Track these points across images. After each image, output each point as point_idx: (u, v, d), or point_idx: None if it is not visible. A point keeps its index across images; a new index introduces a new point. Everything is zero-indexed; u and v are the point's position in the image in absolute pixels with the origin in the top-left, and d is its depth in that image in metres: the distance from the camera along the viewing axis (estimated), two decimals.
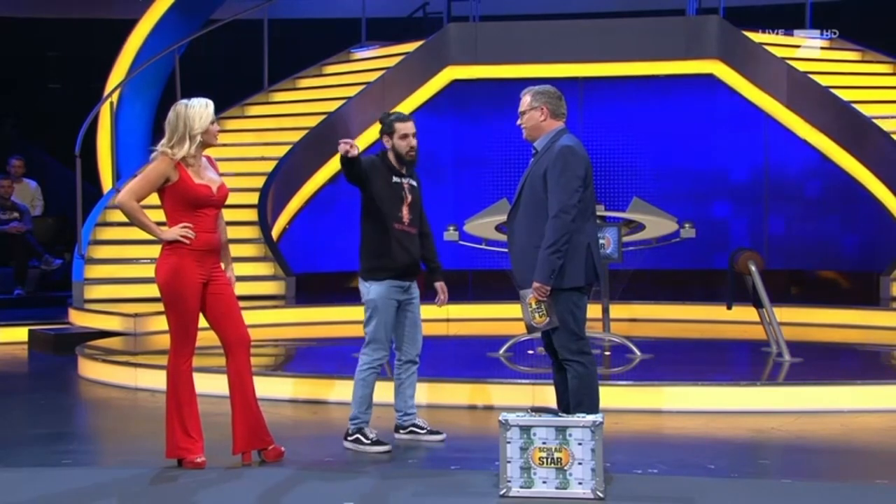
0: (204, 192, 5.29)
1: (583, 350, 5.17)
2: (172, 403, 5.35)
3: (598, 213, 6.39)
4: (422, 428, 5.96)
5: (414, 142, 5.89)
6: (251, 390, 5.42)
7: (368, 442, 5.68)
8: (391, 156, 5.88)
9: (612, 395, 6.32)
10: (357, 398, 5.74)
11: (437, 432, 5.97)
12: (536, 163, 5.22)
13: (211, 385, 7.14)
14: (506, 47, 11.74)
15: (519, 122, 5.33)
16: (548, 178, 5.10)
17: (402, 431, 5.96)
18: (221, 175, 5.52)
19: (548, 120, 5.26)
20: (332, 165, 11.93)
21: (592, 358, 5.22)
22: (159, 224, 5.34)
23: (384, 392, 6.02)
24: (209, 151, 5.50)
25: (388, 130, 5.89)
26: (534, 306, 5.07)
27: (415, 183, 5.96)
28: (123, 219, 11.23)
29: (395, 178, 5.84)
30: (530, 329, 5.22)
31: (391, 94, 12.11)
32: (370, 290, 5.76)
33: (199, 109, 5.27)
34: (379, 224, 5.76)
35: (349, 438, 5.73)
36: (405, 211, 5.82)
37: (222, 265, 5.49)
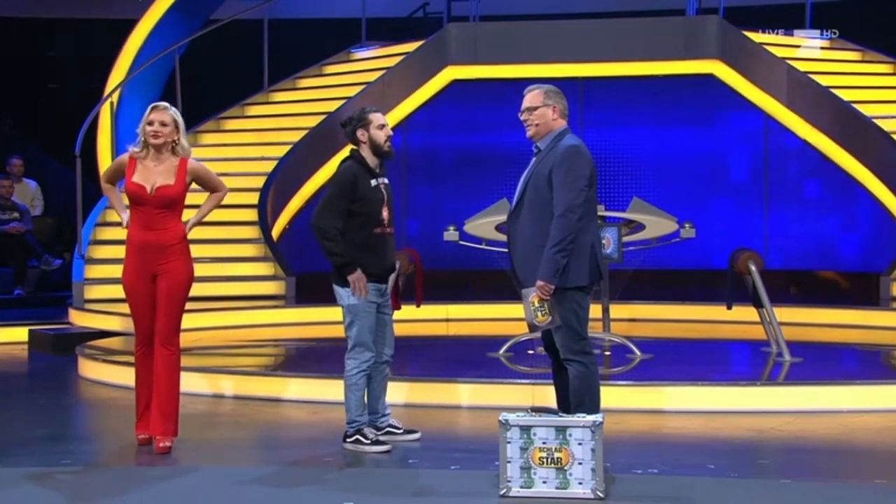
0: (134, 190, 5.60)
1: (585, 350, 5.17)
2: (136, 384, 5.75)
3: (598, 213, 6.39)
4: (398, 428, 5.93)
5: (391, 131, 5.74)
6: (161, 380, 5.62)
7: (368, 442, 5.67)
8: (367, 151, 5.70)
9: (612, 395, 6.32)
10: (351, 403, 5.71)
11: (413, 431, 5.95)
12: (540, 162, 5.21)
13: (209, 385, 7.16)
14: (506, 47, 11.74)
15: (527, 117, 5.27)
16: (553, 177, 5.09)
17: (377, 433, 5.85)
18: (215, 177, 5.83)
19: (557, 119, 5.27)
20: (333, 165, 11.90)
21: (594, 358, 5.22)
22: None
23: None
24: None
25: (361, 123, 5.70)
26: (536, 305, 5.07)
27: (387, 181, 5.81)
28: None
29: (373, 181, 5.70)
30: (532, 328, 5.21)
31: (391, 94, 12.11)
32: (350, 295, 5.68)
33: (146, 111, 5.65)
34: (360, 231, 5.65)
35: (349, 440, 5.73)
36: (385, 213, 5.71)
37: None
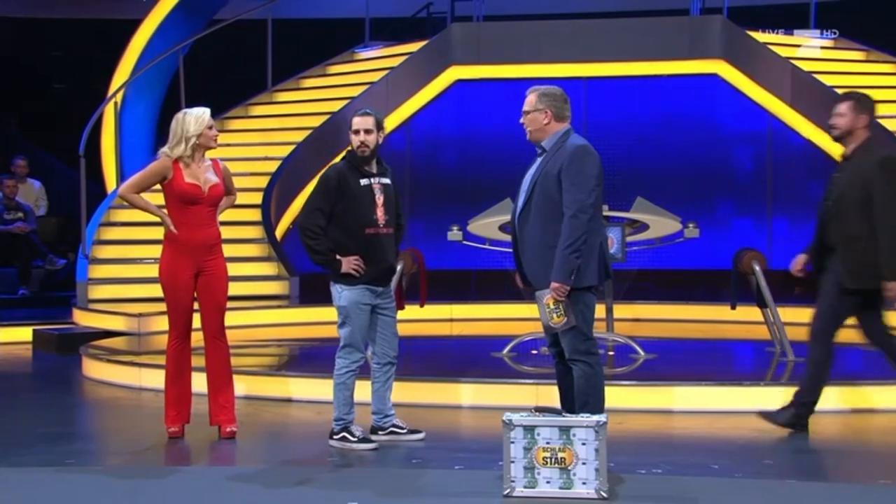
0: (190, 190, 5.84)
1: (590, 350, 5.16)
2: (167, 379, 6.04)
3: (603, 213, 6.39)
4: (401, 428, 5.92)
5: (364, 137, 5.67)
6: (219, 371, 6.03)
7: (355, 440, 5.67)
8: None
9: (615, 395, 6.29)
10: (339, 401, 5.72)
11: (417, 431, 5.94)
12: (547, 162, 5.19)
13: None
14: (509, 47, 11.73)
15: (522, 120, 5.31)
16: (562, 177, 5.08)
17: (381, 433, 5.88)
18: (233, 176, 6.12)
19: (551, 123, 5.26)
20: None
21: (599, 358, 5.22)
22: None
23: (361, 392, 5.94)
24: (216, 153, 6.00)
25: (348, 126, 5.79)
26: (552, 306, 5.06)
27: (387, 180, 5.79)
28: (128, 219, 11.34)
29: (363, 181, 5.69)
30: (548, 329, 5.21)
31: (395, 94, 12.11)
32: (342, 295, 5.67)
33: (196, 116, 5.91)
34: (349, 231, 5.65)
35: (335, 437, 5.73)
36: (379, 213, 5.69)
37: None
